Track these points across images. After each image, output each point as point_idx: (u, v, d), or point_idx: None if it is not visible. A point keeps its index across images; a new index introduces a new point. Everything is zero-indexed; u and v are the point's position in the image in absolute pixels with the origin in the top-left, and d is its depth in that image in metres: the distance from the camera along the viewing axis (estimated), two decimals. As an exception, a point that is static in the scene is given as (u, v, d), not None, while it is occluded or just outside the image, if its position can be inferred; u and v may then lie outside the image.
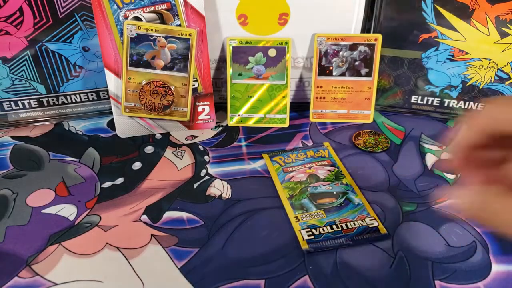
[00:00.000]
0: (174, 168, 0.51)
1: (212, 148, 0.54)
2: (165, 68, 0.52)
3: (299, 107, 0.60)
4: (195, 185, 0.48)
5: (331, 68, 0.55)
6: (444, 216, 0.44)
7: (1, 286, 0.38)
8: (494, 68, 0.53)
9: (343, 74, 0.55)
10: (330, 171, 0.49)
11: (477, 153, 0.27)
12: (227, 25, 0.54)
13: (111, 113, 0.56)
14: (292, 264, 0.40)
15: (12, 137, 0.56)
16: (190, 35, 0.51)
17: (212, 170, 0.50)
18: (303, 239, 0.41)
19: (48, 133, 0.57)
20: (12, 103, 0.55)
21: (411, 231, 0.43)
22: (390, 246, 0.41)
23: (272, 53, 0.54)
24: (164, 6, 0.50)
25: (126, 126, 0.55)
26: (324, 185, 0.47)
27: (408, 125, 0.57)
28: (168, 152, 0.53)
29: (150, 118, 0.55)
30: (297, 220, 0.43)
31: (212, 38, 0.54)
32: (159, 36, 0.50)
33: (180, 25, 0.51)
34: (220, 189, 0.48)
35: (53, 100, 0.56)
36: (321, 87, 0.56)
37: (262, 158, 0.52)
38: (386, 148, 0.53)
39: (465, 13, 0.51)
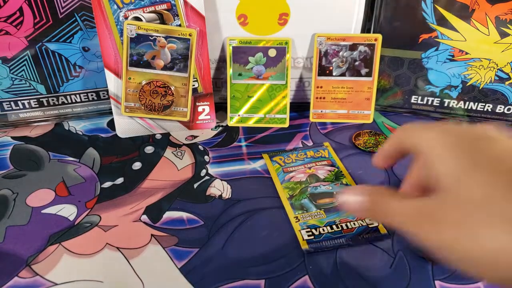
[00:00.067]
0: (174, 168, 0.51)
1: (212, 148, 0.54)
2: (165, 68, 0.52)
3: (299, 107, 0.60)
4: (195, 185, 0.48)
5: (331, 68, 0.55)
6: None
7: (1, 286, 0.38)
8: (494, 68, 0.53)
9: (343, 74, 0.55)
10: (330, 171, 0.49)
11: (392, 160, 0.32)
12: (227, 25, 0.54)
13: (111, 113, 0.56)
14: (292, 264, 0.40)
15: (12, 137, 0.56)
16: (190, 35, 0.51)
17: (212, 170, 0.50)
18: (303, 239, 0.41)
19: (48, 133, 0.57)
20: (12, 103, 0.55)
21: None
22: (390, 246, 0.41)
23: (272, 53, 0.54)
24: (164, 6, 0.50)
25: (126, 126, 0.55)
26: (324, 185, 0.47)
27: (408, 125, 0.57)
28: (168, 152, 0.53)
29: (150, 118, 0.55)
30: (297, 220, 0.43)
31: (212, 38, 0.54)
32: (159, 36, 0.50)
33: (180, 25, 0.51)
34: (220, 189, 0.48)
35: (53, 100, 0.56)
36: (321, 87, 0.56)
37: (262, 158, 0.52)
38: (386, 148, 0.53)
39: (465, 13, 0.51)
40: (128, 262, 0.40)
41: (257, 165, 0.51)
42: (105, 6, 0.49)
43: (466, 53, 0.53)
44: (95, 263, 0.40)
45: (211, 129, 0.57)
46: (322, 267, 0.39)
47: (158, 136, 0.56)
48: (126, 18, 0.50)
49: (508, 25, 0.50)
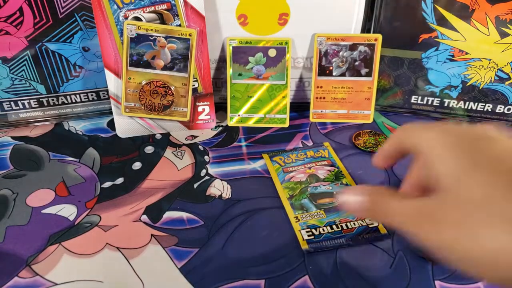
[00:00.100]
0: (174, 168, 0.51)
1: (212, 148, 0.54)
2: (165, 68, 0.52)
3: (299, 107, 0.60)
4: (195, 185, 0.48)
5: (331, 68, 0.55)
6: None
7: (1, 286, 0.38)
8: (494, 68, 0.53)
9: (343, 74, 0.55)
10: (330, 171, 0.49)
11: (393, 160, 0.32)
12: (227, 25, 0.54)
13: (111, 113, 0.56)
14: (292, 264, 0.40)
15: (12, 137, 0.56)
16: (190, 35, 0.51)
17: (212, 170, 0.50)
18: (303, 239, 0.41)
19: (48, 133, 0.57)
20: (12, 103, 0.55)
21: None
22: (390, 246, 0.41)
23: (272, 53, 0.54)
24: (164, 6, 0.50)
25: (126, 126, 0.55)
26: (324, 185, 0.47)
27: (408, 125, 0.57)
28: (168, 152, 0.53)
29: (150, 118, 0.55)
30: (297, 220, 0.43)
31: (212, 38, 0.54)
32: (159, 36, 0.50)
33: (180, 25, 0.51)
34: (220, 189, 0.48)
35: (53, 100, 0.56)
36: (321, 87, 0.56)
37: (262, 158, 0.52)
38: (386, 148, 0.53)
39: (465, 13, 0.51)
40: (128, 262, 0.40)
41: (257, 165, 0.51)
42: (105, 6, 0.49)
43: (466, 53, 0.53)
44: (95, 263, 0.40)
45: (211, 129, 0.57)
46: (322, 267, 0.39)
47: (158, 136, 0.56)
48: (126, 18, 0.50)
49: (508, 25, 0.50)
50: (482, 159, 0.26)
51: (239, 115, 0.56)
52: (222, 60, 0.57)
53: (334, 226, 0.42)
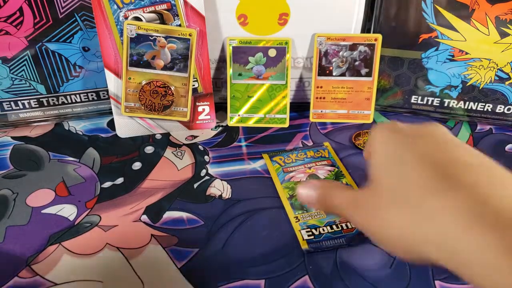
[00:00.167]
0: (174, 168, 0.51)
1: (212, 148, 0.54)
2: (165, 68, 0.52)
3: (299, 107, 0.60)
4: (195, 185, 0.48)
5: (331, 68, 0.55)
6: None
7: (1, 286, 0.38)
8: (494, 68, 0.53)
9: (343, 74, 0.55)
10: (330, 171, 0.49)
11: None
12: (227, 25, 0.54)
13: (111, 113, 0.56)
14: (292, 264, 0.40)
15: (12, 137, 0.56)
16: (190, 35, 0.51)
17: (212, 170, 0.50)
18: (303, 239, 0.41)
19: (48, 133, 0.57)
20: (12, 103, 0.55)
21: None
22: (390, 246, 0.41)
23: (272, 53, 0.54)
24: (164, 6, 0.50)
25: (126, 126, 0.55)
26: (324, 185, 0.47)
27: (408, 125, 0.57)
28: (168, 152, 0.53)
29: (150, 118, 0.55)
30: (297, 220, 0.43)
31: (212, 38, 0.54)
32: (159, 36, 0.50)
33: (180, 25, 0.51)
34: (220, 189, 0.48)
35: (53, 100, 0.56)
36: (321, 87, 0.56)
37: (262, 158, 0.52)
38: (386, 148, 0.53)
39: (465, 13, 0.51)
40: (128, 262, 0.40)
41: (257, 165, 0.51)
42: (105, 6, 0.49)
43: (466, 53, 0.53)
44: (95, 263, 0.40)
45: (211, 129, 0.57)
46: (322, 267, 0.39)
47: (158, 136, 0.56)
48: (126, 18, 0.50)
49: (508, 25, 0.50)
50: (407, 155, 0.29)
51: (239, 115, 0.56)
52: (222, 60, 0.57)
53: (334, 226, 0.42)
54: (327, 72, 0.55)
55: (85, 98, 0.57)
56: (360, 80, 0.55)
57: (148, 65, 0.51)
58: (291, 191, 0.46)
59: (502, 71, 0.53)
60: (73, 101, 0.57)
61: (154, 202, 0.46)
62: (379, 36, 0.54)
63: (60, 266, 0.40)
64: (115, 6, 0.50)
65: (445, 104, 0.57)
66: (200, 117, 0.56)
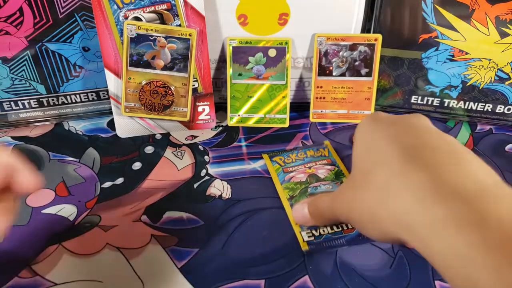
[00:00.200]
0: (174, 168, 0.51)
1: (212, 148, 0.54)
2: (165, 68, 0.52)
3: (299, 107, 0.60)
4: (195, 185, 0.48)
5: (331, 68, 0.55)
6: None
7: (1, 286, 0.38)
8: (494, 68, 0.53)
9: (343, 74, 0.55)
10: (330, 170, 0.49)
11: None
12: (227, 25, 0.54)
13: (111, 113, 0.56)
14: (292, 264, 0.40)
15: (12, 137, 0.56)
16: (190, 35, 0.51)
17: (212, 170, 0.50)
18: (303, 241, 0.41)
19: (48, 133, 0.57)
20: (12, 103, 0.55)
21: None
22: (390, 246, 0.41)
23: (272, 53, 0.54)
24: (164, 6, 0.50)
25: (126, 126, 0.55)
26: (324, 184, 0.47)
27: (408, 125, 0.57)
28: (168, 152, 0.53)
29: (150, 118, 0.55)
30: (297, 220, 0.43)
31: (212, 38, 0.54)
32: (159, 36, 0.50)
33: (180, 25, 0.51)
34: (220, 189, 0.48)
35: (53, 100, 0.56)
36: (321, 87, 0.56)
37: (262, 158, 0.52)
38: (386, 148, 0.53)
39: (465, 13, 0.51)
40: (128, 262, 0.40)
41: (257, 165, 0.51)
42: (105, 6, 0.49)
43: (466, 53, 0.53)
44: (95, 263, 0.40)
45: (211, 129, 0.57)
46: (322, 267, 0.39)
47: (158, 136, 0.56)
48: (126, 18, 0.50)
49: (508, 25, 0.50)
50: (380, 140, 0.31)
51: (239, 115, 0.56)
52: (222, 60, 0.57)
53: (334, 227, 0.42)
54: (327, 72, 0.55)
55: (85, 98, 0.57)
56: (360, 80, 0.55)
57: (148, 65, 0.51)
58: (291, 192, 0.46)
59: (502, 71, 0.53)
60: (73, 101, 0.57)
61: (154, 202, 0.46)
62: (379, 36, 0.54)
63: (60, 266, 0.40)
64: (115, 6, 0.50)
65: (445, 104, 0.57)
66: (200, 117, 0.56)
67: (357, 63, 0.55)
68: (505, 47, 0.51)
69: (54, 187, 0.48)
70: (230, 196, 0.47)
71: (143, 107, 0.53)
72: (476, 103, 0.56)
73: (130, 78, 0.52)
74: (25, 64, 0.53)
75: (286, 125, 0.56)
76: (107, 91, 0.57)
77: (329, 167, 0.50)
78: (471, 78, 0.55)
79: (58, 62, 0.54)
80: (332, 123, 0.58)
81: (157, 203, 0.46)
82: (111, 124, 0.57)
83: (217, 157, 0.52)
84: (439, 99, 0.57)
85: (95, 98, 0.57)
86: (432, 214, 0.25)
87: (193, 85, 0.53)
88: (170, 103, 0.53)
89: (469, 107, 0.57)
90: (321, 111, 0.57)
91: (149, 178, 0.49)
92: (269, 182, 0.48)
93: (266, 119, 0.56)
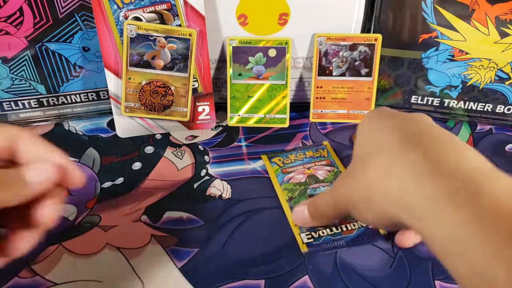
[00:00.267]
0: (174, 168, 0.51)
1: (212, 148, 0.54)
2: (165, 68, 0.52)
3: (299, 107, 0.60)
4: (195, 185, 0.48)
5: (331, 68, 0.55)
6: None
7: (1, 286, 0.38)
8: (494, 68, 0.53)
9: (343, 74, 0.55)
10: (329, 171, 0.49)
11: None
12: (227, 25, 0.54)
13: (111, 113, 0.56)
14: (292, 264, 0.40)
15: (12, 137, 0.55)
16: (190, 35, 0.51)
17: (212, 170, 0.50)
18: (303, 242, 0.41)
19: (48, 133, 0.57)
20: (12, 103, 0.55)
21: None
22: (390, 246, 0.41)
23: (272, 53, 0.54)
24: (164, 6, 0.50)
25: (126, 126, 0.55)
26: (323, 186, 0.47)
27: (408, 125, 0.57)
28: (168, 152, 0.53)
29: (150, 118, 0.55)
30: (297, 220, 0.43)
31: (212, 38, 0.54)
32: (159, 36, 0.50)
33: (180, 25, 0.51)
34: (220, 189, 0.48)
35: (53, 100, 0.56)
36: (321, 87, 0.56)
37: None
38: (386, 148, 0.53)
39: (465, 13, 0.51)
40: (128, 262, 0.40)
41: (257, 165, 0.51)
42: (105, 6, 0.49)
43: (466, 53, 0.53)
44: (95, 263, 0.40)
45: (211, 129, 0.57)
46: (322, 267, 0.39)
47: (158, 136, 0.56)
48: (126, 18, 0.50)
49: (508, 25, 0.50)
50: (380, 127, 0.32)
51: (239, 115, 0.56)
52: (222, 60, 0.57)
53: (334, 228, 0.42)
54: (327, 72, 0.55)
55: (85, 98, 0.57)
56: (360, 80, 0.55)
57: (148, 65, 0.51)
58: (290, 193, 0.46)
59: (502, 71, 0.53)
60: (73, 101, 0.57)
61: (154, 202, 0.46)
62: (379, 36, 0.54)
63: (60, 266, 0.40)
64: (115, 6, 0.50)
65: (445, 104, 0.57)
66: (200, 117, 0.56)
67: (357, 63, 0.55)
68: (505, 47, 0.51)
69: (54, 187, 0.48)
70: (230, 196, 0.47)
71: (143, 107, 0.53)
72: (476, 103, 0.56)
73: (130, 78, 0.52)
74: (25, 64, 0.53)
75: (286, 125, 0.56)
76: (107, 91, 0.57)
77: (328, 168, 0.49)
78: (471, 78, 0.55)
79: (58, 62, 0.54)
80: (332, 123, 0.58)
81: (157, 203, 0.46)
82: (111, 124, 0.57)
83: (217, 157, 0.52)
84: (439, 99, 0.57)
85: (95, 98, 0.57)
86: (428, 192, 0.26)
87: (193, 85, 0.53)
88: (170, 103, 0.53)
89: (469, 107, 0.57)
90: (321, 111, 0.57)
91: (149, 178, 0.49)
92: (269, 182, 0.48)
93: (266, 119, 0.56)
